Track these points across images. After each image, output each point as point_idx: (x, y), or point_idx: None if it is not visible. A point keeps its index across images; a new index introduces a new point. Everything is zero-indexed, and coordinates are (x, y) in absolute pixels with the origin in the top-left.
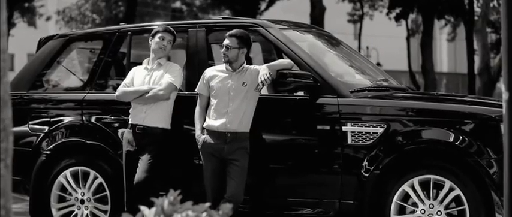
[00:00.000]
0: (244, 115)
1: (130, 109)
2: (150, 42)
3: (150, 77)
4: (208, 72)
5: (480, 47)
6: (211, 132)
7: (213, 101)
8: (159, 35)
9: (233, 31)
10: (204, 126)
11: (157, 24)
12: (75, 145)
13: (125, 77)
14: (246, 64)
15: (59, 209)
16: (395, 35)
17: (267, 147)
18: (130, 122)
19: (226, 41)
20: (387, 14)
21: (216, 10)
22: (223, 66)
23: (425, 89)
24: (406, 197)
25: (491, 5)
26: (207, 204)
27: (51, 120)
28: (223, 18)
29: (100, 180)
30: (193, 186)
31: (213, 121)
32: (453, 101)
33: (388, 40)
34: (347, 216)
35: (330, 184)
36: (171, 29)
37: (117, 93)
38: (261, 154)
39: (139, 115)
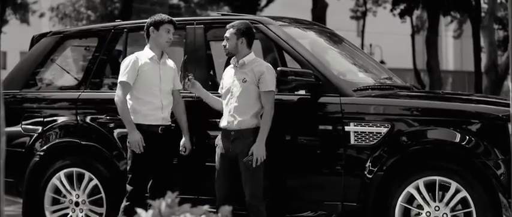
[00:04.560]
0: (246, 112)
1: (137, 104)
2: (151, 33)
3: (164, 72)
4: (226, 69)
5: (487, 44)
6: (222, 131)
7: (223, 98)
8: (166, 26)
9: (232, 22)
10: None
11: None
12: (70, 146)
13: None
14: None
15: (53, 212)
16: (400, 32)
17: (268, 147)
18: (146, 122)
19: (225, 33)
20: (391, 10)
21: (214, 6)
22: (234, 61)
23: (430, 88)
24: (410, 199)
25: (499, 1)
26: (206, 207)
27: (45, 120)
28: (222, 14)
29: (95, 181)
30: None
31: (222, 120)
32: (459, 100)
33: (392, 37)
34: None
35: (332, 185)
36: (174, 20)
37: (119, 104)
38: None
39: (157, 115)
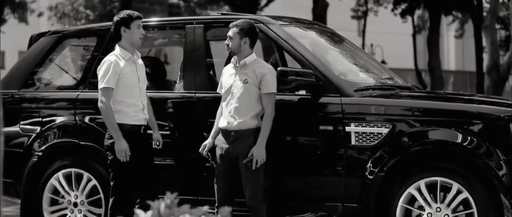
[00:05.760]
0: (247, 113)
1: (121, 107)
2: (123, 33)
3: (140, 72)
4: (224, 69)
5: (489, 44)
6: (221, 131)
7: (223, 99)
8: (136, 22)
9: (236, 21)
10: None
11: (154, 21)
12: (68, 146)
13: None
14: (258, 60)
15: (52, 212)
16: (401, 31)
17: (267, 148)
18: (131, 122)
19: (228, 32)
20: (392, 10)
21: (214, 6)
22: (235, 61)
23: (431, 88)
24: (412, 200)
25: (501, 0)
26: (205, 208)
27: (43, 120)
28: (222, 14)
29: (94, 182)
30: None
31: (221, 121)
32: (461, 100)
33: (393, 37)
34: None
35: (333, 186)
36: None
37: (105, 110)
38: None
39: (139, 115)
